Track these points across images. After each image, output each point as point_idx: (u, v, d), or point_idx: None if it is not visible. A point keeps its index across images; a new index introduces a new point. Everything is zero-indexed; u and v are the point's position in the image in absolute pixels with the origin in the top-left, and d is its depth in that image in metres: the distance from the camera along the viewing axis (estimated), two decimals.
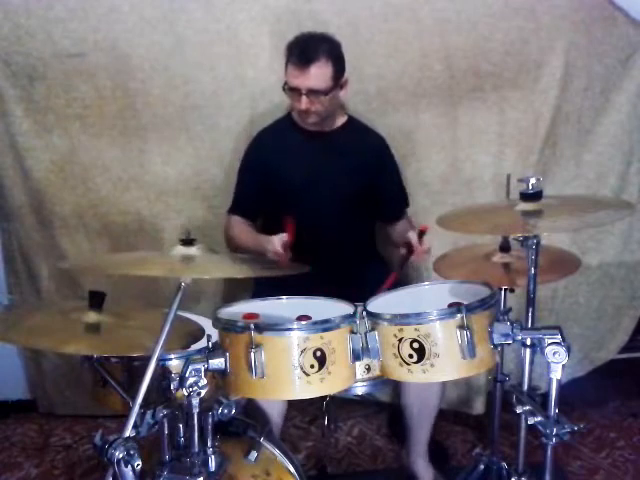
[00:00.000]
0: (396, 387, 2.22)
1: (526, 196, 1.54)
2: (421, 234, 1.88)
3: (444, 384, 2.10)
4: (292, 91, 1.99)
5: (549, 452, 1.45)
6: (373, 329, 1.38)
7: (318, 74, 1.94)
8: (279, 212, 2.19)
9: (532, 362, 1.57)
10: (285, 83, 2.01)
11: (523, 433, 1.73)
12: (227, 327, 1.37)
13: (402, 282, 1.79)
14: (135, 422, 1.23)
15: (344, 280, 1.91)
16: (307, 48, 1.95)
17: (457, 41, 2.28)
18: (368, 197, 2.18)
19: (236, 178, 2.21)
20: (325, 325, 1.32)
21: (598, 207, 1.65)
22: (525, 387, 1.61)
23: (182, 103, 2.30)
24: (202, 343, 1.42)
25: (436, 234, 2.17)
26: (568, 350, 1.34)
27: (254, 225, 2.21)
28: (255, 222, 2.22)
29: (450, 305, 1.37)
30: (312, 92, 1.96)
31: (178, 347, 1.43)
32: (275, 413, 1.93)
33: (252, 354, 1.28)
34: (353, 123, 2.23)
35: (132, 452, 1.15)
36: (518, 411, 1.54)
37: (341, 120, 2.20)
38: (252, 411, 1.87)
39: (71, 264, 2.28)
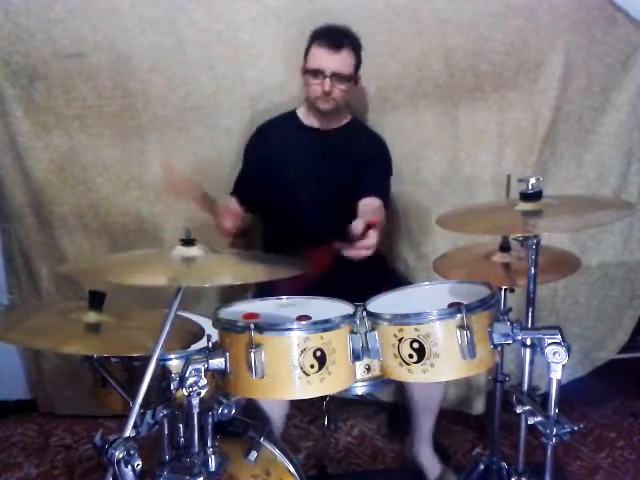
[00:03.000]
0: (397, 385, 2.22)
1: (526, 196, 1.54)
2: (368, 227, 1.68)
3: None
4: (315, 74, 2.01)
5: (549, 452, 1.45)
6: (373, 329, 1.38)
7: (346, 59, 2.01)
8: (279, 208, 2.20)
9: (532, 362, 1.57)
10: (305, 68, 2.03)
11: (523, 433, 1.73)
12: (227, 327, 1.37)
13: (402, 282, 1.79)
14: (135, 422, 1.23)
15: (344, 280, 1.91)
16: (338, 34, 2.03)
17: (457, 41, 2.28)
18: None
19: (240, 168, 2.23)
20: (325, 325, 1.32)
21: (598, 207, 1.65)
22: (525, 387, 1.61)
23: (182, 103, 2.30)
24: (202, 343, 1.42)
25: (436, 234, 2.18)
26: (568, 350, 1.34)
27: (246, 214, 2.16)
28: (247, 211, 2.16)
29: (450, 305, 1.37)
30: (336, 75, 2.00)
31: (178, 347, 1.43)
32: (275, 413, 1.93)
33: (252, 354, 1.28)
34: (356, 123, 2.24)
35: (132, 452, 1.15)
36: (518, 411, 1.54)
37: (345, 119, 2.21)
38: (252, 411, 1.87)
39: (70, 270, 2.28)
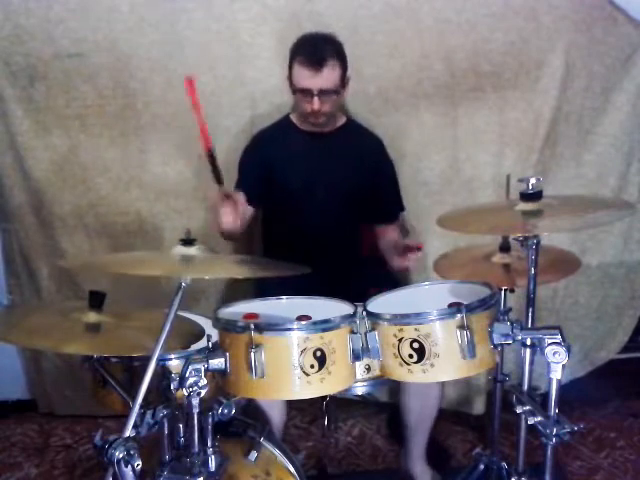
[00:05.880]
0: (395, 389, 2.22)
1: (526, 196, 1.54)
2: (417, 249, 1.89)
3: (443, 386, 2.10)
4: (302, 93, 1.99)
5: (549, 452, 1.45)
6: (373, 329, 1.38)
7: (330, 75, 1.96)
8: (278, 212, 2.20)
9: (532, 362, 1.57)
10: (292, 85, 2.01)
11: (523, 433, 1.73)
12: (227, 327, 1.37)
13: (402, 282, 1.80)
14: (135, 422, 1.23)
15: (344, 280, 1.91)
16: (317, 49, 1.97)
17: (457, 41, 2.28)
18: (366, 198, 2.19)
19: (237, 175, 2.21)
20: (325, 325, 1.32)
21: (598, 207, 1.65)
22: (525, 387, 1.61)
23: (182, 103, 2.30)
24: (202, 343, 1.42)
25: (436, 234, 2.18)
26: (568, 350, 1.34)
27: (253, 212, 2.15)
28: (255, 208, 2.15)
29: (450, 305, 1.37)
30: (324, 92, 1.97)
31: (178, 347, 1.43)
32: (275, 413, 1.93)
33: (252, 354, 1.28)
34: (351, 125, 2.24)
35: (132, 452, 1.15)
36: (518, 411, 1.54)
37: (340, 121, 2.21)
38: (252, 411, 1.87)
39: (71, 263, 2.29)
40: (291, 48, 2.02)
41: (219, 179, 1.69)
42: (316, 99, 1.97)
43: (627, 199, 2.39)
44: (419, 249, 1.88)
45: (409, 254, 1.90)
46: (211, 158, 1.63)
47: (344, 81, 2.04)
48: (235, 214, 1.80)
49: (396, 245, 2.02)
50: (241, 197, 1.80)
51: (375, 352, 1.37)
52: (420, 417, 2.05)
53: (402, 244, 1.97)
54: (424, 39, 2.28)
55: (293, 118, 2.20)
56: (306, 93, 1.98)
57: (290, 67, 2.02)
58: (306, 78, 1.96)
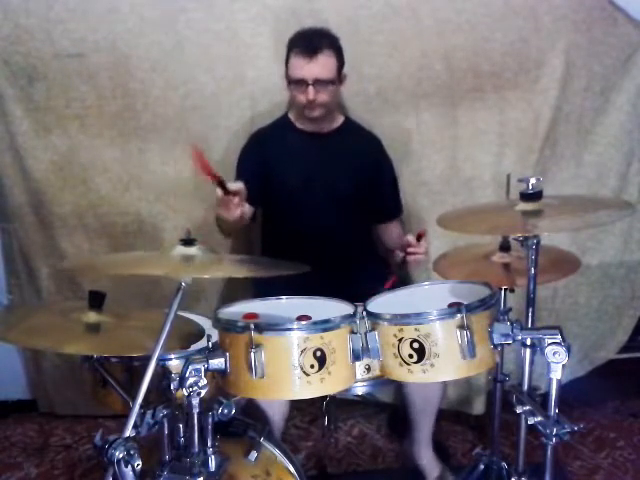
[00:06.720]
0: (397, 385, 2.22)
1: (526, 196, 1.54)
2: (419, 238, 1.92)
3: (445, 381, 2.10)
4: (297, 83, 1.99)
5: (549, 452, 1.45)
6: (373, 329, 1.38)
7: (325, 63, 1.97)
8: (277, 212, 2.20)
9: (532, 362, 1.57)
10: (288, 78, 2.01)
11: (523, 433, 1.73)
12: (227, 327, 1.37)
13: (402, 282, 1.79)
14: (135, 422, 1.23)
15: (344, 280, 1.91)
16: (312, 39, 1.98)
17: (457, 41, 2.28)
18: (365, 198, 2.19)
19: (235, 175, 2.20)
20: (325, 325, 1.32)
21: (598, 207, 1.65)
22: (525, 387, 1.61)
23: (182, 103, 2.30)
24: (202, 343, 1.42)
25: (436, 234, 2.18)
26: (568, 350, 1.34)
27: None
28: (254, 208, 2.13)
29: (450, 305, 1.37)
30: (319, 82, 1.97)
31: (178, 347, 1.43)
32: (275, 413, 1.93)
33: (252, 354, 1.28)
34: (350, 124, 2.24)
35: (132, 452, 1.15)
36: (518, 411, 1.54)
37: (338, 121, 2.21)
38: (252, 411, 1.87)
39: (71, 265, 2.28)
40: (287, 44, 2.03)
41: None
42: (311, 88, 1.97)
43: (627, 199, 2.39)
44: (420, 236, 1.92)
45: (419, 242, 1.91)
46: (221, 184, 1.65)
47: (340, 74, 2.04)
48: (240, 204, 1.77)
49: (402, 239, 2.00)
50: (240, 186, 1.75)
51: (375, 352, 1.37)
52: (424, 404, 2.06)
53: (410, 237, 1.95)
54: (424, 39, 2.28)
55: (291, 117, 2.19)
56: (301, 83, 1.98)
57: (286, 62, 2.03)
58: (301, 67, 1.96)
